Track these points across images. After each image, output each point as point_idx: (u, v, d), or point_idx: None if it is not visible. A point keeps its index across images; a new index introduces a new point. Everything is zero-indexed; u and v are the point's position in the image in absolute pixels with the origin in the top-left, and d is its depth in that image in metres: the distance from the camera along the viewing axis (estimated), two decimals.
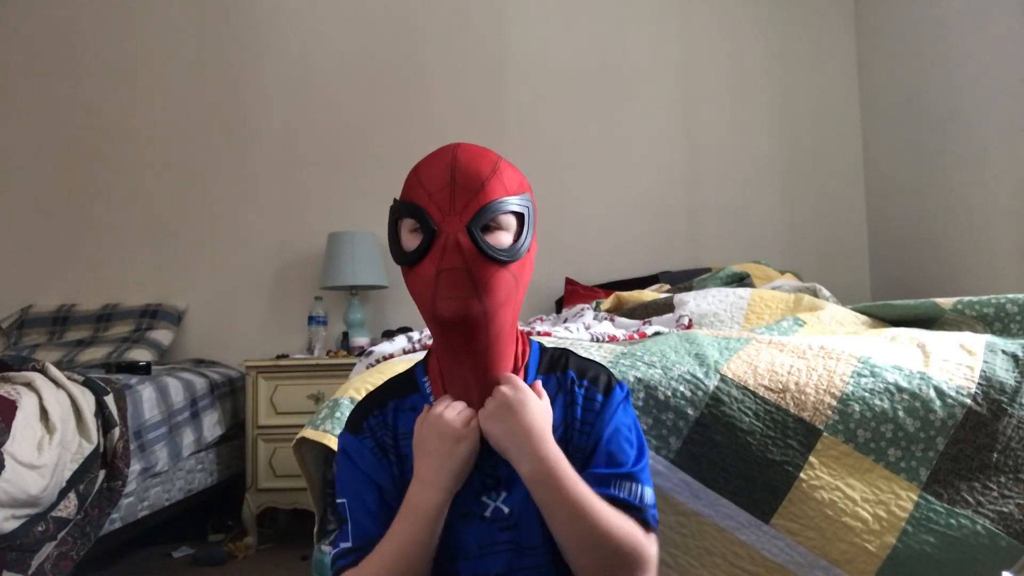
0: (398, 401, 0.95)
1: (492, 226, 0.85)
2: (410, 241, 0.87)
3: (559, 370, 0.95)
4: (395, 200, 0.89)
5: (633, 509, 0.86)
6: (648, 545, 0.85)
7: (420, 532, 0.84)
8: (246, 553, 2.73)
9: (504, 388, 0.87)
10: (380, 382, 1.23)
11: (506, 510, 0.88)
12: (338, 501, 0.92)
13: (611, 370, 0.99)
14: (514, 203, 0.86)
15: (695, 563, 1.14)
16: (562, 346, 1.06)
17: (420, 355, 1.43)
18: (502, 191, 0.85)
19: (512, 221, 0.87)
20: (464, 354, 0.86)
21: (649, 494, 0.89)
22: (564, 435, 0.91)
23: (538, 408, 0.86)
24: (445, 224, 0.83)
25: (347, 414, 1.17)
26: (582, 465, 0.89)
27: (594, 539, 0.82)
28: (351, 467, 0.92)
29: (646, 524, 0.87)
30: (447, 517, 0.87)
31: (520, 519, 0.88)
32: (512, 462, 0.85)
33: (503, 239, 0.86)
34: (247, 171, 3.56)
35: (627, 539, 0.83)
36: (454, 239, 0.82)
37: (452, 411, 0.87)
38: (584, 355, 1.02)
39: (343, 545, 0.89)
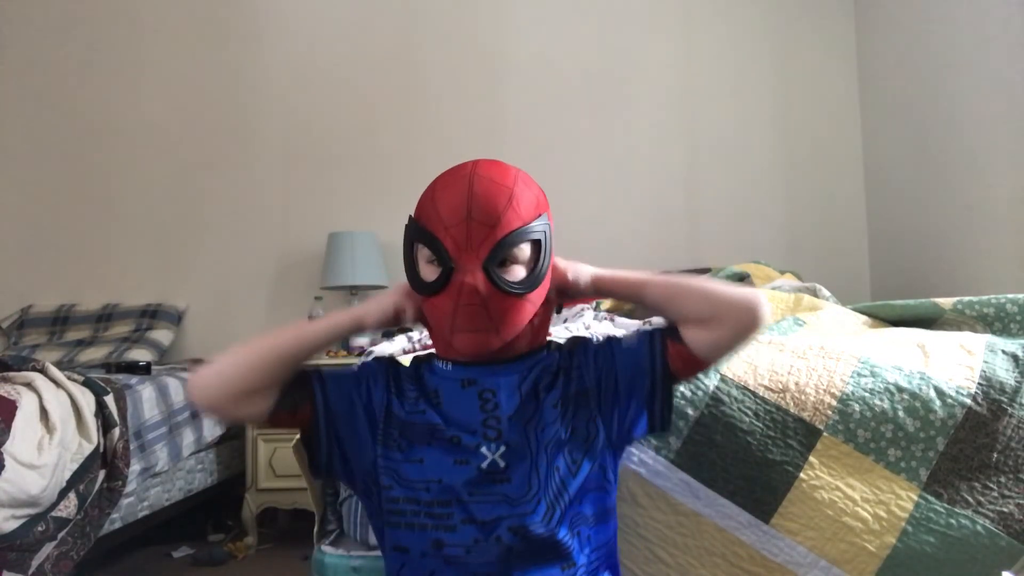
0: (426, 364, 0.99)
1: (508, 260, 0.88)
2: (427, 271, 0.89)
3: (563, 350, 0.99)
4: (410, 218, 0.90)
5: None
6: None
7: (311, 328, 0.92)
8: (246, 553, 2.73)
9: None
10: None
11: (502, 464, 0.90)
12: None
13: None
14: (529, 233, 0.88)
15: (695, 563, 1.14)
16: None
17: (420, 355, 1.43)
18: (518, 222, 0.87)
19: (528, 248, 0.89)
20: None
21: None
22: (578, 391, 0.94)
23: None
24: (462, 261, 0.85)
25: None
26: (615, 387, 0.94)
27: (692, 283, 0.87)
28: (353, 372, 0.98)
29: None
30: (443, 463, 0.90)
31: (513, 473, 0.90)
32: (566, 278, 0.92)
33: (518, 272, 0.88)
34: (247, 171, 3.56)
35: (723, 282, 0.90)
36: (471, 278, 0.85)
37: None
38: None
39: None
